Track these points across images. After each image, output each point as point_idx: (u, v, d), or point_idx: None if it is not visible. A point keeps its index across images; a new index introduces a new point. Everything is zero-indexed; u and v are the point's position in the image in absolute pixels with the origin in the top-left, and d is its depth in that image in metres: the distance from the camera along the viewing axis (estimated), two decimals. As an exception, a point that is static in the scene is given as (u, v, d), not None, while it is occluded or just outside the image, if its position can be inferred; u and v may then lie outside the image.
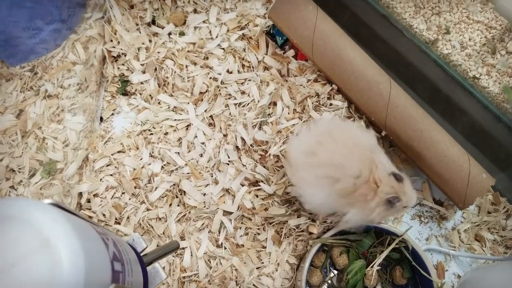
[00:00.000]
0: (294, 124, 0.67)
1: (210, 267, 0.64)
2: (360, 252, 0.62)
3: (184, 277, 0.63)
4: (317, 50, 0.64)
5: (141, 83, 0.71)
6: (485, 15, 0.70)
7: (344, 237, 0.61)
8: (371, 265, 0.60)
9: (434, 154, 0.61)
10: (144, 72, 0.71)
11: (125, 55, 0.72)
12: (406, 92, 0.66)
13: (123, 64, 0.72)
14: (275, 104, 0.68)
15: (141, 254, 0.54)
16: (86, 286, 0.24)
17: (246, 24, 0.73)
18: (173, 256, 0.64)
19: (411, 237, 0.66)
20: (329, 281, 0.63)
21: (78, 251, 0.24)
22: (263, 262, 0.64)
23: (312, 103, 0.68)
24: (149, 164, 0.67)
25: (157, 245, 0.63)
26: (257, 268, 0.64)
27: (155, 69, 0.71)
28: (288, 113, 0.68)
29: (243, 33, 0.72)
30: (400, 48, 0.69)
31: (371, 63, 0.64)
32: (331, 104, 0.68)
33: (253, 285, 0.63)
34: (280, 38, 0.72)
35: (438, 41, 0.69)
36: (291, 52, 0.72)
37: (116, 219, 0.65)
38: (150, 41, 0.72)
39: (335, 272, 0.64)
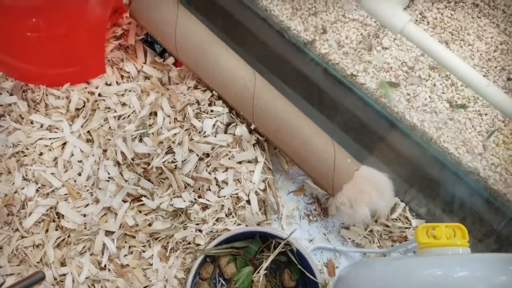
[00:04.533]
0: (175, 134, 0.65)
1: (94, 292, 0.60)
2: (247, 258, 0.61)
3: (66, 306, 0.59)
4: (180, 46, 0.64)
5: (9, 105, 0.66)
6: (360, 13, 0.71)
7: (230, 245, 0.60)
8: (257, 270, 0.59)
9: (301, 143, 0.61)
10: (11, 94, 0.67)
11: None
12: (286, 92, 0.66)
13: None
14: (156, 114, 0.66)
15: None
16: None
17: (121, 34, 0.70)
18: (53, 285, 0.60)
19: (302, 238, 0.66)
20: (218, 292, 0.62)
21: None
22: (150, 280, 0.61)
23: (193, 110, 0.66)
24: (23, 188, 0.63)
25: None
26: (144, 287, 0.61)
27: (23, 90, 0.67)
28: (170, 123, 0.66)
29: (119, 43, 0.70)
30: (278, 50, 0.69)
31: (235, 57, 0.65)
32: (212, 111, 0.66)
33: (141, 305, 0.60)
34: (159, 46, 0.69)
35: (316, 41, 0.70)
36: (171, 60, 0.70)
37: (-12, 251, 0.60)
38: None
39: (225, 282, 0.62)
